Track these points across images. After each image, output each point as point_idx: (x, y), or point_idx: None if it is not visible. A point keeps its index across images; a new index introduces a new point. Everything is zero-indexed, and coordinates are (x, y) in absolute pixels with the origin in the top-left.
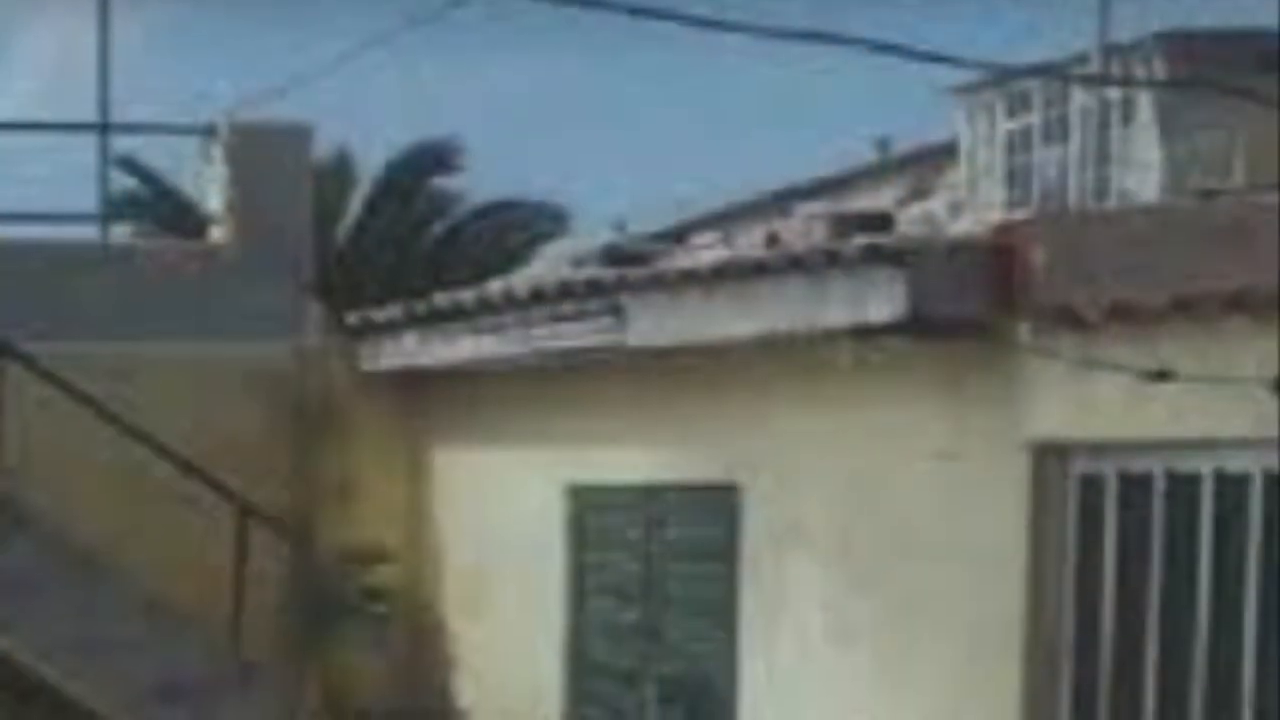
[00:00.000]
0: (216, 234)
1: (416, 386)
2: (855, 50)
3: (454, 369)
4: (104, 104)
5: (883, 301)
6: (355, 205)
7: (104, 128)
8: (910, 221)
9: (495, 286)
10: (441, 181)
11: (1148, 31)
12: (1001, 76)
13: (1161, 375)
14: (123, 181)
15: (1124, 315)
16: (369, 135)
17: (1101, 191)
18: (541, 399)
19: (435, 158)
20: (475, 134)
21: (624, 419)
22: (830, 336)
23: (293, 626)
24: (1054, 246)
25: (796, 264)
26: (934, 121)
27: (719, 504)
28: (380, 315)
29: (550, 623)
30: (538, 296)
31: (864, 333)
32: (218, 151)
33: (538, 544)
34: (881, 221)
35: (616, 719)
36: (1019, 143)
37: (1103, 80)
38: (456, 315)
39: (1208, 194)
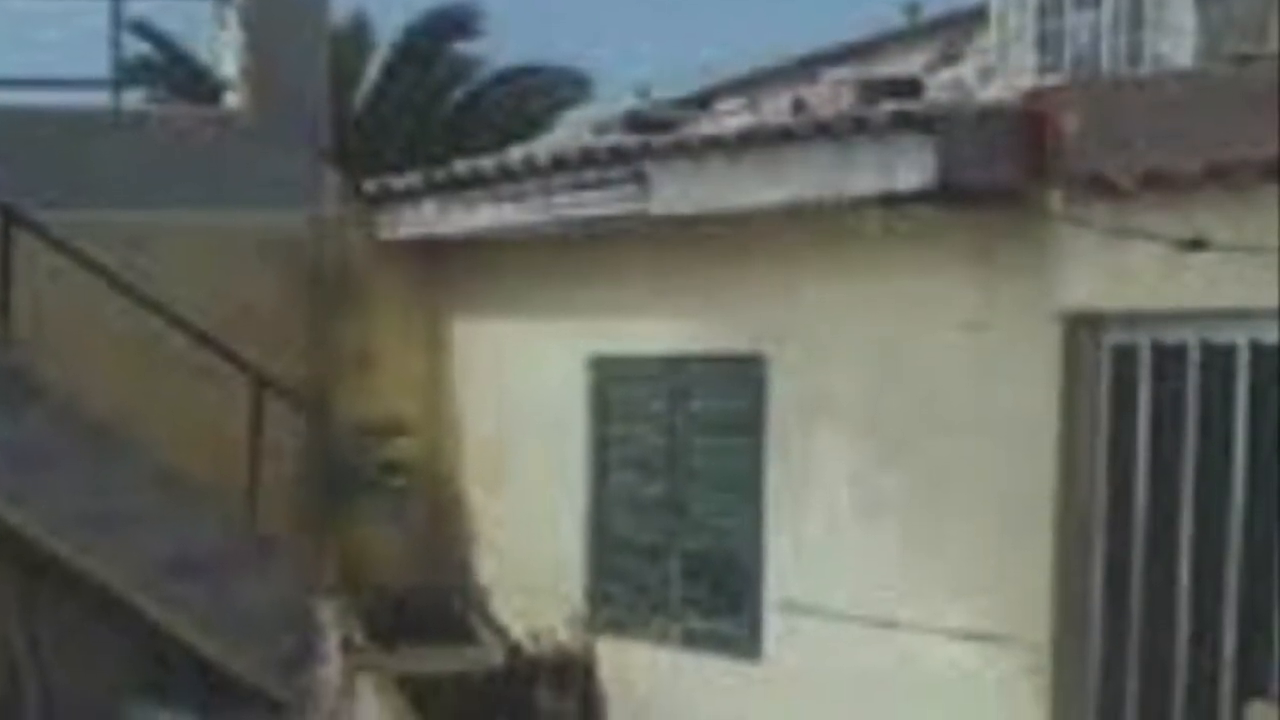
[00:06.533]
0: (231, 100)
1: (435, 255)
2: None
3: (474, 237)
4: None
5: (911, 169)
6: (373, 70)
7: None
8: (940, 87)
9: (516, 153)
10: (461, 46)
11: None
12: None
13: (1196, 244)
14: (136, 46)
15: (1158, 183)
16: None
17: (1135, 57)
18: (563, 268)
19: (455, 22)
20: None
21: (647, 289)
22: (858, 204)
23: (309, 500)
24: (1086, 113)
25: (824, 130)
26: None
27: (744, 375)
28: (399, 183)
29: (572, 496)
30: (560, 164)
31: (892, 200)
32: (233, 15)
33: (559, 416)
34: (910, 87)
35: (640, 594)
36: (1051, 7)
37: None
38: (477, 183)
39: (1243, 59)
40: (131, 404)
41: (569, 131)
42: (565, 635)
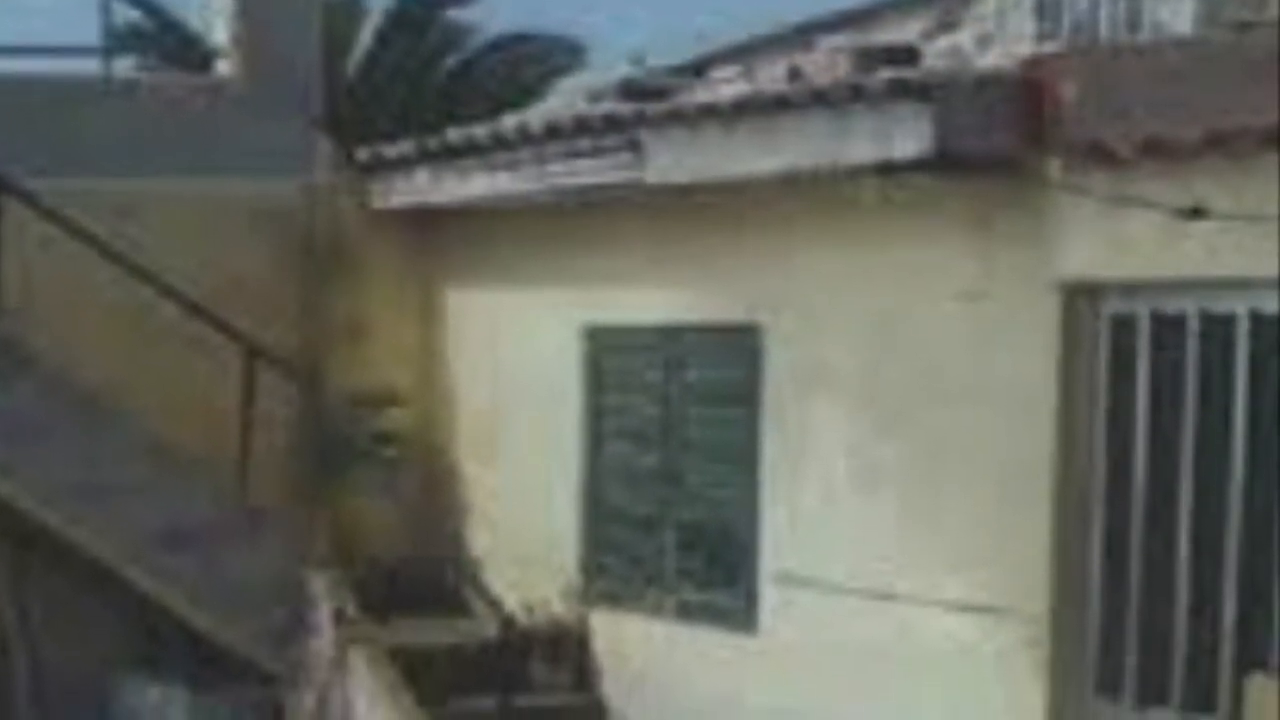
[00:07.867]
0: (223, 67)
1: (429, 224)
2: None
3: (467, 206)
4: None
5: (908, 137)
6: (366, 37)
7: None
8: (937, 55)
9: (510, 122)
10: (455, 13)
11: None
12: None
13: (1195, 213)
14: (126, 13)
15: (1157, 151)
16: None
17: (1134, 23)
18: (557, 237)
19: None
20: None
21: (642, 258)
22: (854, 173)
23: (301, 471)
24: (1085, 80)
25: (820, 98)
26: None
27: (740, 345)
28: (391, 151)
29: (567, 467)
30: (553, 132)
31: (889, 169)
32: None
33: (554, 387)
34: (907, 55)
35: (635, 566)
36: None
37: None
38: (470, 151)
39: (1243, 26)
40: (122, 374)
41: (563, 99)
42: (559, 607)
